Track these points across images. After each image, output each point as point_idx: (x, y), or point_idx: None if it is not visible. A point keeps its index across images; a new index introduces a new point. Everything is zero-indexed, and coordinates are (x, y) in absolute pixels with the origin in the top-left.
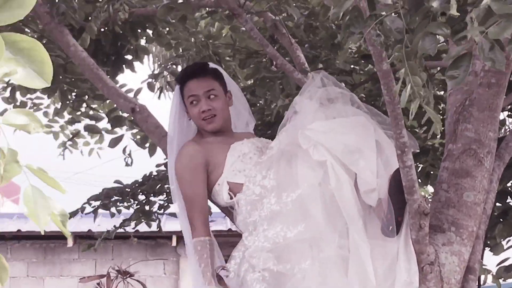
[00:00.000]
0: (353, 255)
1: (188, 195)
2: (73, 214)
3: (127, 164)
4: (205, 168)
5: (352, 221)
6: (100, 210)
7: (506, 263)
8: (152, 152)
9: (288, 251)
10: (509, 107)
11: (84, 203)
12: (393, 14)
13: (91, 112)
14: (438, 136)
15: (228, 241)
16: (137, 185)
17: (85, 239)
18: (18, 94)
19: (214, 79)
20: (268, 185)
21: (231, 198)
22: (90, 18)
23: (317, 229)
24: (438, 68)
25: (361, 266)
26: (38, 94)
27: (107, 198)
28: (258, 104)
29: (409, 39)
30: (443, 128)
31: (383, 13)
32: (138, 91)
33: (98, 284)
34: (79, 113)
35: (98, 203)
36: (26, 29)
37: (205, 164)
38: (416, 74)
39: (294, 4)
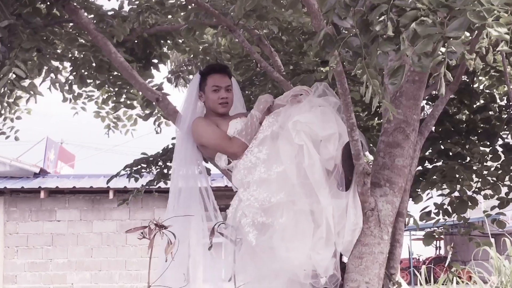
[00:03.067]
0: (320, 213)
1: (213, 134)
2: (114, 176)
3: (157, 132)
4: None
5: (320, 189)
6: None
7: (427, 210)
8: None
9: (271, 210)
10: (427, 97)
11: (121, 170)
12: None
13: (128, 102)
14: (376, 118)
15: (225, 194)
16: (158, 155)
17: (122, 193)
18: (75, 87)
19: (230, 78)
20: (261, 157)
21: (229, 163)
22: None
23: (293, 195)
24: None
25: (325, 220)
26: (90, 88)
27: (137, 165)
28: (244, 96)
29: (366, 52)
30: (380, 112)
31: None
32: (161, 85)
33: (141, 233)
34: (120, 100)
35: (130, 168)
36: (80, 40)
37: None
38: (374, 78)
39: (273, 23)
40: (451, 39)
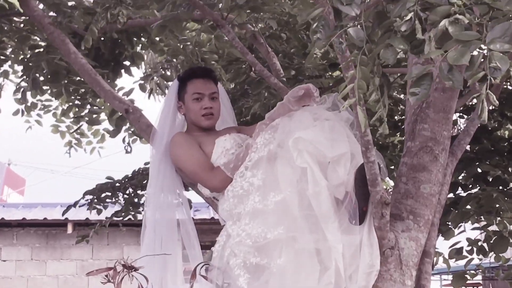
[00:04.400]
0: (328, 252)
1: (191, 159)
2: (71, 206)
3: (127, 152)
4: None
5: (327, 223)
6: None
7: (458, 246)
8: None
9: (267, 248)
10: (461, 109)
11: (80, 198)
12: (357, 25)
13: (94, 116)
14: (398, 134)
15: (211, 228)
16: (127, 179)
17: (83, 226)
18: (28, 95)
19: (215, 84)
20: (255, 183)
21: None
22: (91, 23)
23: (295, 230)
24: (398, 74)
25: (334, 261)
26: (47, 96)
27: (100, 192)
28: (235, 109)
29: (368, 48)
30: (403, 127)
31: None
32: (130, 92)
33: (106, 276)
34: (83, 113)
35: (92, 196)
36: (34, 37)
37: (198, 145)
38: (364, 79)
39: (270, 17)
40: (494, 51)
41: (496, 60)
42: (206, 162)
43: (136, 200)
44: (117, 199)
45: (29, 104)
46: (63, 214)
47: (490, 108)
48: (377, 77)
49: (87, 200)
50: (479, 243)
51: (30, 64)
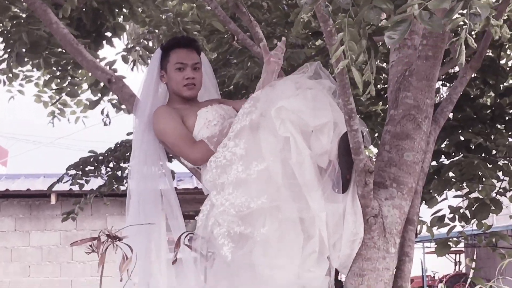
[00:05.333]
0: (312, 221)
1: (174, 132)
2: (56, 183)
3: (105, 124)
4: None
5: (311, 192)
6: None
7: (440, 214)
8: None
9: (250, 217)
10: (443, 77)
11: (64, 173)
12: None
13: (75, 87)
14: (381, 103)
15: (195, 198)
16: (109, 152)
17: (67, 196)
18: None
19: (198, 55)
20: (238, 153)
21: None
22: None
23: (278, 199)
24: (381, 43)
25: (318, 230)
26: (29, 67)
27: (83, 166)
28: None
29: (354, 11)
30: (386, 96)
31: None
32: (112, 62)
33: (90, 245)
34: (65, 84)
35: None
36: (12, 7)
37: (181, 119)
38: (353, 41)
39: None
40: None
41: (477, 5)
42: (188, 136)
43: (119, 173)
44: (100, 172)
45: (10, 75)
46: (48, 189)
47: (473, 76)
48: (363, 40)
49: (70, 175)
50: (461, 210)
51: (10, 35)
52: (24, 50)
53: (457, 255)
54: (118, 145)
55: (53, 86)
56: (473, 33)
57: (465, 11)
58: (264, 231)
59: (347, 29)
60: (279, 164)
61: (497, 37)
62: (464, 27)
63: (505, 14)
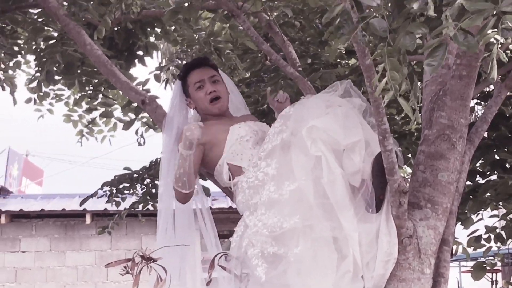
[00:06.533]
0: (345, 240)
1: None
2: (89, 197)
3: (139, 144)
4: (202, 145)
5: (343, 211)
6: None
7: (476, 234)
8: None
9: (284, 237)
10: (478, 96)
11: (98, 189)
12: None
13: (109, 109)
14: (414, 123)
15: (229, 217)
16: (144, 170)
17: (102, 216)
18: (42, 85)
19: (214, 69)
20: (270, 173)
21: (230, 179)
22: (105, 14)
23: (311, 218)
24: (414, 62)
25: (351, 249)
26: (59, 86)
27: (118, 183)
28: (251, 97)
29: (391, 38)
30: (420, 115)
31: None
32: (145, 82)
33: (124, 267)
34: (95, 102)
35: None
36: (48, 29)
37: (203, 142)
38: (395, 70)
39: (285, 4)
40: (507, 14)
41: (508, 20)
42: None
43: (154, 190)
44: (135, 190)
45: (41, 93)
46: (81, 204)
47: (508, 94)
48: (404, 67)
49: (105, 191)
50: (497, 230)
51: (42, 54)
52: (55, 69)
53: (494, 274)
54: (153, 163)
55: (83, 105)
56: (507, 51)
57: (497, 27)
58: (298, 251)
59: (387, 58)
60: (311, 183)
61: None
62: (496, 42)
63: None
